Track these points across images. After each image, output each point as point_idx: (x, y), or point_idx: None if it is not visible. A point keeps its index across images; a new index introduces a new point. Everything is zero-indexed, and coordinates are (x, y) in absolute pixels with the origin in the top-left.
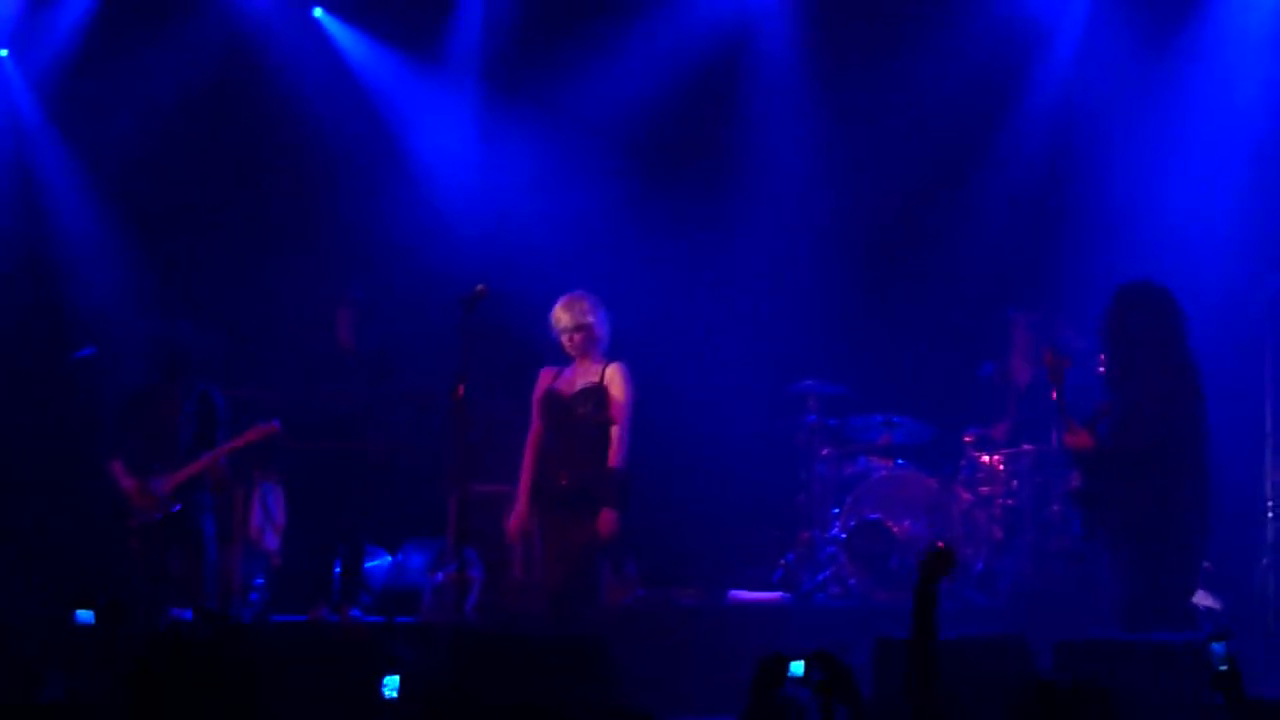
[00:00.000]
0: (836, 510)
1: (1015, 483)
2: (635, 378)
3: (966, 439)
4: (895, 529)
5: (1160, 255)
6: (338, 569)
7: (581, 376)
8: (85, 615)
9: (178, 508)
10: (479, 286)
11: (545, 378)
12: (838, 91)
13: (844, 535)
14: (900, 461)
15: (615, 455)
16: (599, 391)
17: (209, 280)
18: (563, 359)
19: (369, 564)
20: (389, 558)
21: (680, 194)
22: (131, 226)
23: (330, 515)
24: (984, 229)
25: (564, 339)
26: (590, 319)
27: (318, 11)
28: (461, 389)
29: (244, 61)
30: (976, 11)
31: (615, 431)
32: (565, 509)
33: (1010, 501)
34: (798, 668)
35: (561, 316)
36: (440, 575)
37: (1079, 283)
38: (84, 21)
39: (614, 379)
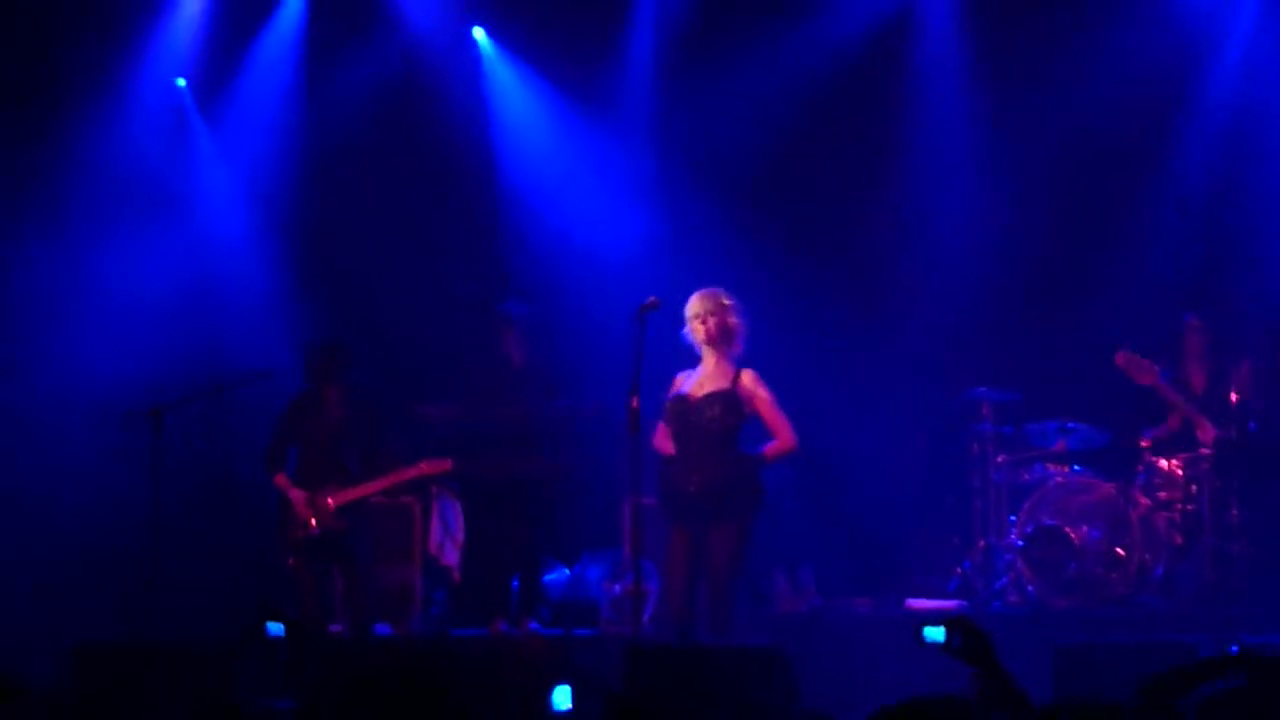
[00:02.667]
0: (1013, 517)
1: (1194, 487)
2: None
3: (1143, 444)
4: (1073, 535)
5: None
6: (516, 583)
7: (711, 380)
8: (276, 628)
9: (342, 526)
10: (651, 298)
11: (676, 382)
12: (1005, 90)
13: (1021, 542)
14: (1077, 468)
15: (785, 440)
16: (730, 396)
17: (381, 302)
18: (695, 364)
19: (547, 577)
20: (566, 570)
21: (849, 200)
22: (297, 248)
23: (508, 530)
24: (1158, 231)
25: (695, 325)
26: (726, 304)
27: (478, 31)
28: (635, 401)
29: (409, 78)
30: (1145, 10)
31: (775, 421)
32: (695, 517)
33: (1190, 506)
34: (937, 634)
35: (695, 302)
36: (618, 587)
37: (1255, 286)
38: (254, 46)
39: (748, 383)
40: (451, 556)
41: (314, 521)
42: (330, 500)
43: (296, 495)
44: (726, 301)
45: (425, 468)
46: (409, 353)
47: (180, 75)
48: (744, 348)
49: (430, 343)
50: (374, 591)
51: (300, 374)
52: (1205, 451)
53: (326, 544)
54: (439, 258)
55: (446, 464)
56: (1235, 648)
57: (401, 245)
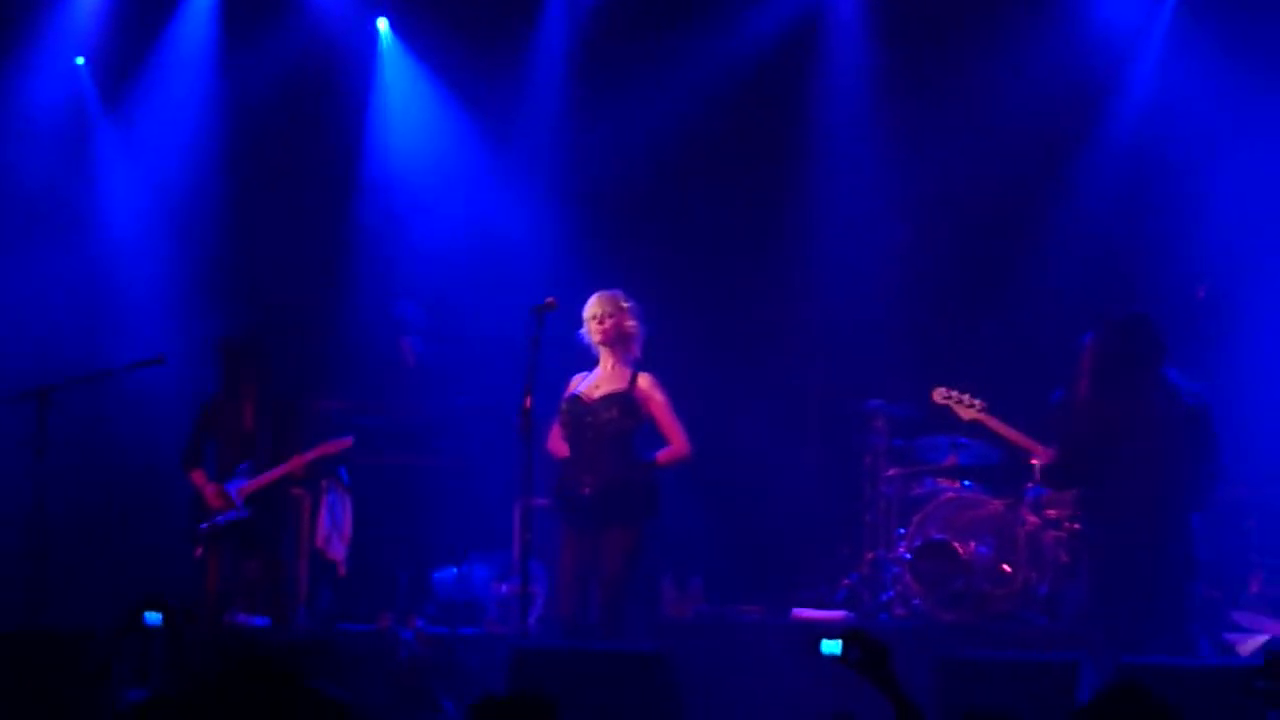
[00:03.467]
0: (902, 530)
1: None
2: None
3: (1033, 461)
4: (961, 550)
5: (1250, 277)
6: (404, 579)
7: (608, 382)
8: (153, 617)
9: (245, 514)
10: (549, 298)
11: (572, 383)
12: (910, 102)
13: (909, 555)
14: (967, 483)
15: (679, 446)
16: (626, 398)
17: (279, 296)
18: (591, 366)
19: (435, 575)
20: (455, 569)
21: (746, 206)
22: (195, 240)
23: (396, 526)
24: (1062, 248)
25: (592, 326)
26: (624, 306)
27: (380, 22)
28: (529, 401)
29: (315, 69)
30: (1053, 27)
31: (670, 427)
32: (588, 520)
33: (1077, 525)
34: (834, 646)
35: (593, 304)
36: (505, 587)
37: (1158, 304)
38: (157, 31)
39: (645, 386)
40: (338, 550)
41: (222, 511)
42: (238, 490)
43: (209, 490)
44: (624, 304)
45: (328, 447)
46: (306, 346)
47: (80, 56)
48: (641, 351)
49: (327, 337)
50: (289, 579)
51: (214, 370)
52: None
53: (236, 534)
54: (337, 253)
55: (347, 442)
56: None
57: (300, 239)
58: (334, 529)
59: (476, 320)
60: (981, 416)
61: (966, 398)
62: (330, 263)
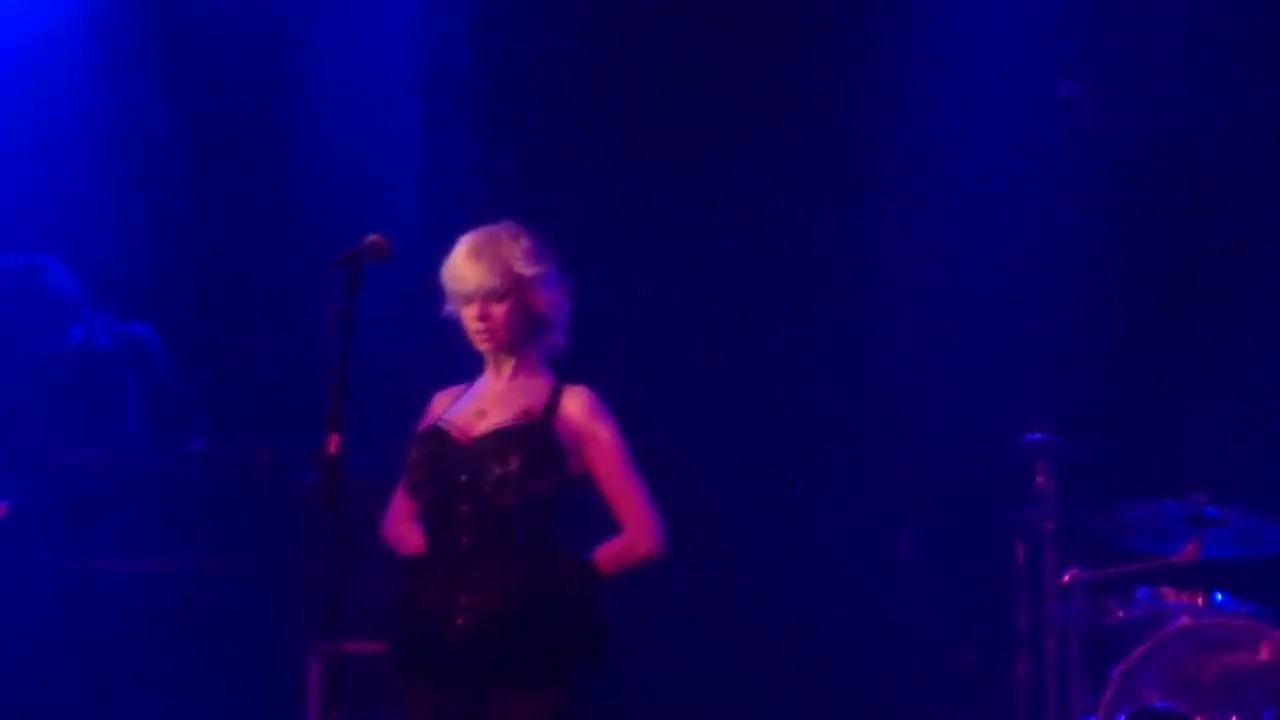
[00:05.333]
0: (1092, 697)
1: None
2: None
3: None
4: None
5: None
6: None
7: (502, 402)
8: None
9: None
10: (371, 236)
11: (432, 406)
12: None
13: None
14: (1219, 597)
15: (642, 532)
16: (536, 433)
17: None
18: (470, 371)
19: None
20: None
21: (778, 96)
22: None
23: (87, 689)
24: None
25: (468, 314)
26: (526, 272)
27: None
28: (334, 442)
29: None
30: None
31: (624, 493)
32: (463, 679)
33: None
34: None
35: (463, 260)
36: None
37: None
38: None
39: (575, 410)
40: None
41: None
42: None
43: None
44: (523, 260)
45: None
46: None
47: None
48: (566, 342)
49: None
50: None
51: None
52: None
53: None
54: None
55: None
56: None
57: None
58: None
59: (223, 284)
60: None
61: None
62: None
